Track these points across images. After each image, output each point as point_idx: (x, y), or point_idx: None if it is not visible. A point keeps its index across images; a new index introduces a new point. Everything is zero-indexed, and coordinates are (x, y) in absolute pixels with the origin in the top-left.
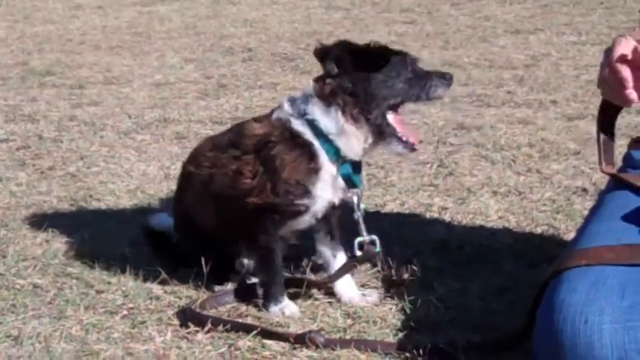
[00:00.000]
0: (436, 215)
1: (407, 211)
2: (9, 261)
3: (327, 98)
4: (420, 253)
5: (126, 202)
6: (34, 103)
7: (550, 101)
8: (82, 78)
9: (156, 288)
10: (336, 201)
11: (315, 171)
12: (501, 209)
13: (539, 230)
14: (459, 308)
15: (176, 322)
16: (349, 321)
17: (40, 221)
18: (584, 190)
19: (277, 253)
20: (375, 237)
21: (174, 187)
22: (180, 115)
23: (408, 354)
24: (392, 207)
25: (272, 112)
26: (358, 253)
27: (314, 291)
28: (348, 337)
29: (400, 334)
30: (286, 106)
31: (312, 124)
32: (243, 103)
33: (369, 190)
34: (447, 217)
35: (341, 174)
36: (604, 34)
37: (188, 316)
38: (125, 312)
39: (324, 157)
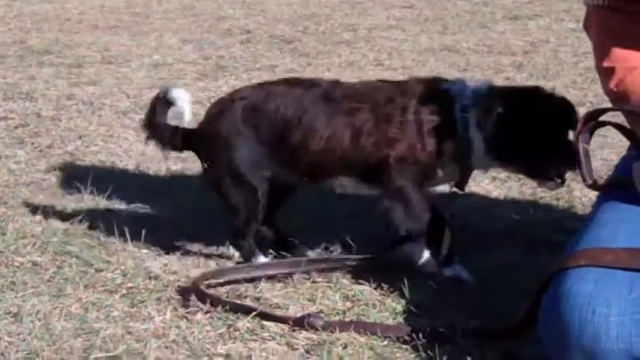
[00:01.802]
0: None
1: None
2: (8, 238)
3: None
4: None
5: (125, 182)
6: (32, 81)
7: (549, 88)
8: (80, 57)
9: (155, 267)
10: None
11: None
12: (501, 195)
13: (538, 216)
14: (458, 292)
15: (176, 301)
16: (348, 304)
17: (39, 199)
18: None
19: None
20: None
21: (173, 167)
22: None
23: (407, 337)
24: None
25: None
26: None
27: (313, 273)
28: (347, 319)
29: (399, 318)
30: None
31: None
32: (241, 84)
33: None
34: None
35: None
36: None
37: (193, 293)
38: (124, 291)
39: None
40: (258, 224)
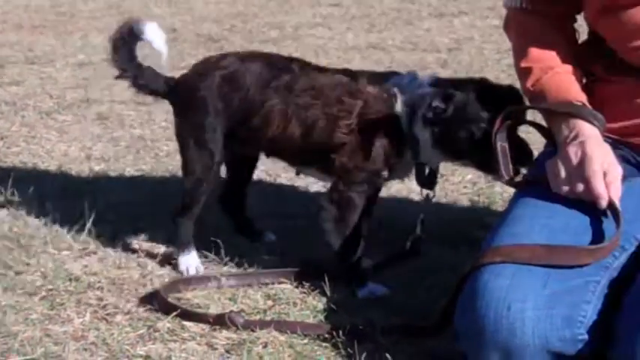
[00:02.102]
0: None
1: None
2: None
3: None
4: None
5: (46, 183)
6: None
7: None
8: (3, 57)
9: (75, 269)
10: None
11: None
12: (423, 191)
13: (459, 213)
14: None
15: (95, 303)
16: (269, 302)
17: None
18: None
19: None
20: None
21: (96, 167)
22: (103, 95)
23: (327, 335)
24: (316, 188)
25: (389, 75)
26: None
27: (233, 271)
28: (268, 318)
29: (320, 316)
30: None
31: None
32: None
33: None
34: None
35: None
36: None
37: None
38: (44, 293)
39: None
40: (205, 194)
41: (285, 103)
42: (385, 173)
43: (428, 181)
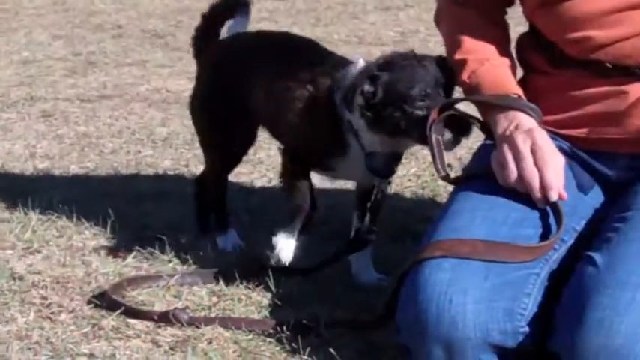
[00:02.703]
0: None
1: (275, 189)
2: None
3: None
4: None
5: None
6: None
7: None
8: None
9: (19, 268)
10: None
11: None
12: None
13: (403, 206)
14: (323, 284)
15: (39, 302)
16: (214, 299)
17: None
18: (449, 165)
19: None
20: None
21: (40, 165)
22: (47, 92)
23: (271, 330)
24: (260, 184)
25: (345, 63)
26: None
27: (177, 267)
28: (213, 314)
29: (265, 311)
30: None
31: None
32: (112, 80)
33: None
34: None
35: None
36: None
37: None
38: None
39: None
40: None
41: (268, 91)
42: (330, 162)
43: (382, 168)
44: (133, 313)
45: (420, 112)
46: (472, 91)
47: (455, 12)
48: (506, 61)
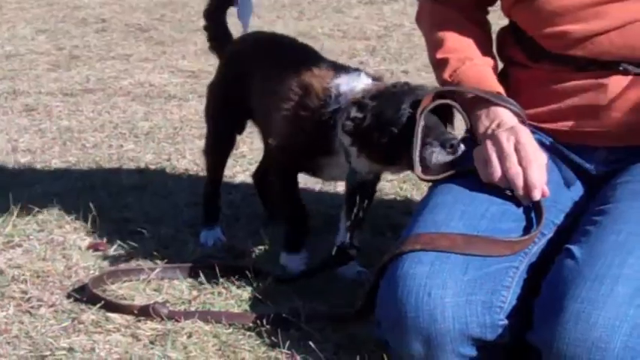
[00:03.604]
0: None
1: None
2: None
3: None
4: (268, 224)
5: None
6: None
7: (402, 71)
8: None
9: None
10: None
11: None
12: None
13: (385, 199)
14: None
15: (18, 296)
16: (194, 292)
17: None
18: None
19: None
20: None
21: (22, 159)
22: (30, 87)
23: (251, 324)
24: (242, 178)
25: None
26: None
27: (157, 261)
28: (192, 308)
29: (245, 305)
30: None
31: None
32: (95, 74)
33: None
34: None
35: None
36: None
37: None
38: None
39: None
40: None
41: (264, 94)
42: (318, 164)
43: (359, 187)
44: (113, 307)
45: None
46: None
47: (436, 10)
48: (488, 60)
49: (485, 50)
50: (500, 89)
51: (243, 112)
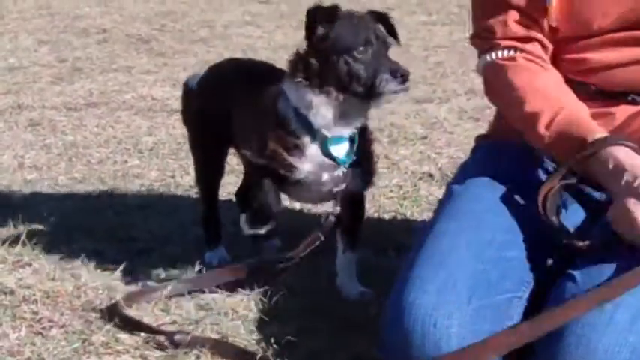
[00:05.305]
0: None
1: None
2: None
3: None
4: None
5: None
6: None
7: None
8: None
9: (10, 282)
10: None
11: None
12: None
13: (386, 217)
14: (308, 296)
15: (30, 317)
16: (202, 313)
17: None
18: (431, 175)
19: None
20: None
21: (28, 176)
22: (35, 101)
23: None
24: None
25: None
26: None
27: (165, 281)
28: (200, 329)
29: (251, 325)
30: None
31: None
32: (98, 87)
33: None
34: (286, 203)
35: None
36: (454, 14)
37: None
38: None
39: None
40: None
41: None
42: (289, 170)
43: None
44: (147, 329)
45: (362, 63)
46: (553, 141)
47: (509, 70)
48: (580, 105)
49: (572, 96)
50: (604, 132)
51: (226, 139)
